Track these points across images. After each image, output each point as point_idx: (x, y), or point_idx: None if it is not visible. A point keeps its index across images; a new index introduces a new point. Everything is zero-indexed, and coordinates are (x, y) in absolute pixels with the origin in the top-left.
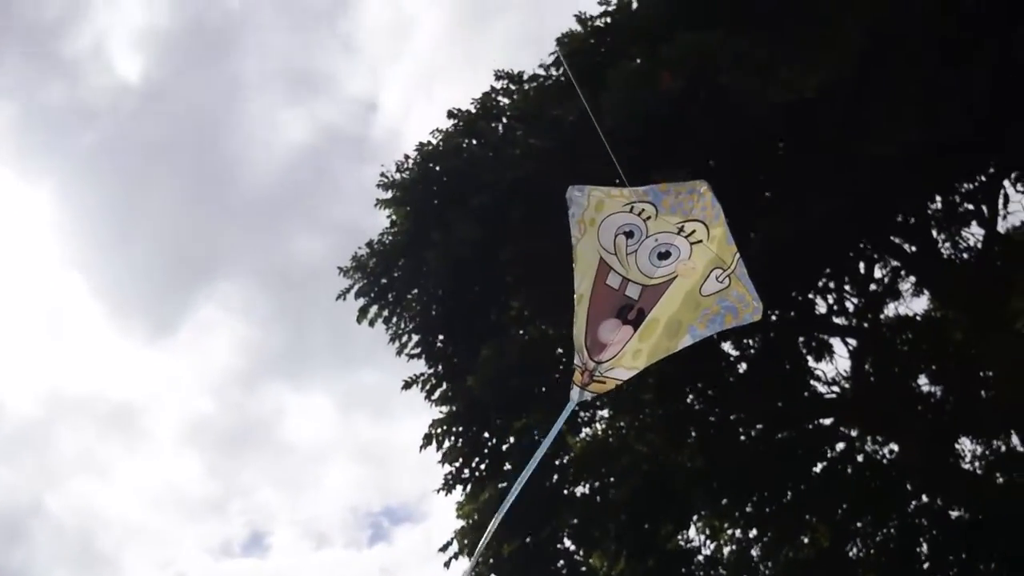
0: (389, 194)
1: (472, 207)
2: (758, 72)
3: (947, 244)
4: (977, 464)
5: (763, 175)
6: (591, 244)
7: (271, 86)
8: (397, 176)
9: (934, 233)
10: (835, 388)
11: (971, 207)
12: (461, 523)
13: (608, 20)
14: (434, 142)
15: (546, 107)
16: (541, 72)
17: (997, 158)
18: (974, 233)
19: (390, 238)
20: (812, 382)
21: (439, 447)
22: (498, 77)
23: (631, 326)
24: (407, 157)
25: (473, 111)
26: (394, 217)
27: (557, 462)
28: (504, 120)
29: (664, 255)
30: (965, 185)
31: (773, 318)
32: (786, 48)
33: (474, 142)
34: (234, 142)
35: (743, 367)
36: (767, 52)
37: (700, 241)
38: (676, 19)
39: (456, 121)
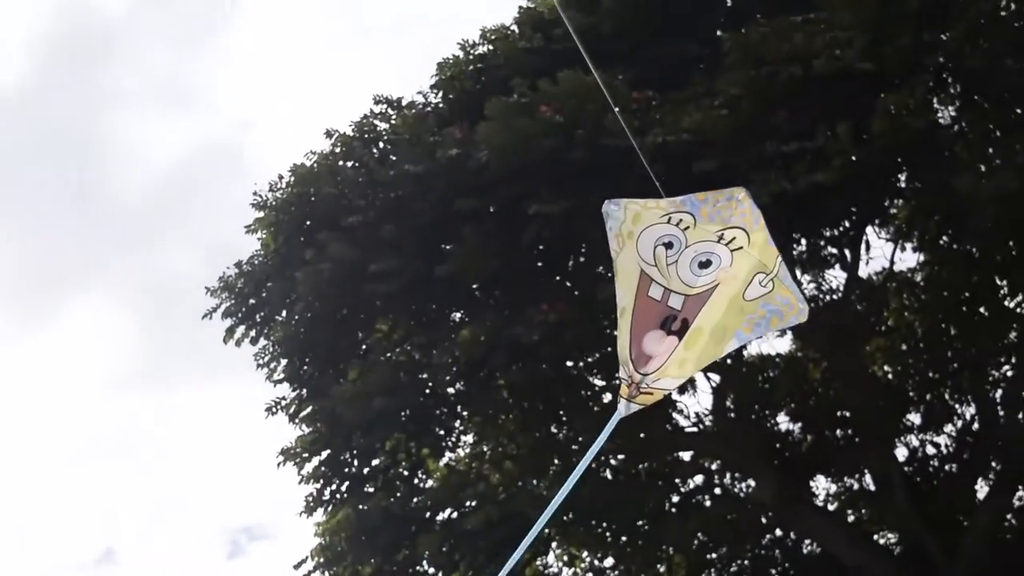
0: (261, 214)
1: (344, 228)
2: (636, 114)
3: (810, 285)
4: (830, 501)
5: None
6: (631, 257)
7: (147, 97)
8: (270, 196)
9: (798, 274)
10: (697, 423)
11: (835, 251)
12: (318, 541)
13: (491, 48)
14: (308, 163)
15: (423, 134)
16: (420, 99)
17: (861, 206)
18: (836, 276)
19: (260, 259)
20: (674, 415)
21: (300, 467)
22: (377, 101)
23: (676, 336)
24: (281, 177)
25: (350, 134)
26: (265, 238)
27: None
28: (380, 144)
29: (705, 264)
30: (830, 230)
31: None
32: (667, 92)
33: (350, 165)
34: (107, 152)
35: (607, 397)
36: (648, 95)
37: (741, 248)
38: (560, 56)
39: (332, 142)
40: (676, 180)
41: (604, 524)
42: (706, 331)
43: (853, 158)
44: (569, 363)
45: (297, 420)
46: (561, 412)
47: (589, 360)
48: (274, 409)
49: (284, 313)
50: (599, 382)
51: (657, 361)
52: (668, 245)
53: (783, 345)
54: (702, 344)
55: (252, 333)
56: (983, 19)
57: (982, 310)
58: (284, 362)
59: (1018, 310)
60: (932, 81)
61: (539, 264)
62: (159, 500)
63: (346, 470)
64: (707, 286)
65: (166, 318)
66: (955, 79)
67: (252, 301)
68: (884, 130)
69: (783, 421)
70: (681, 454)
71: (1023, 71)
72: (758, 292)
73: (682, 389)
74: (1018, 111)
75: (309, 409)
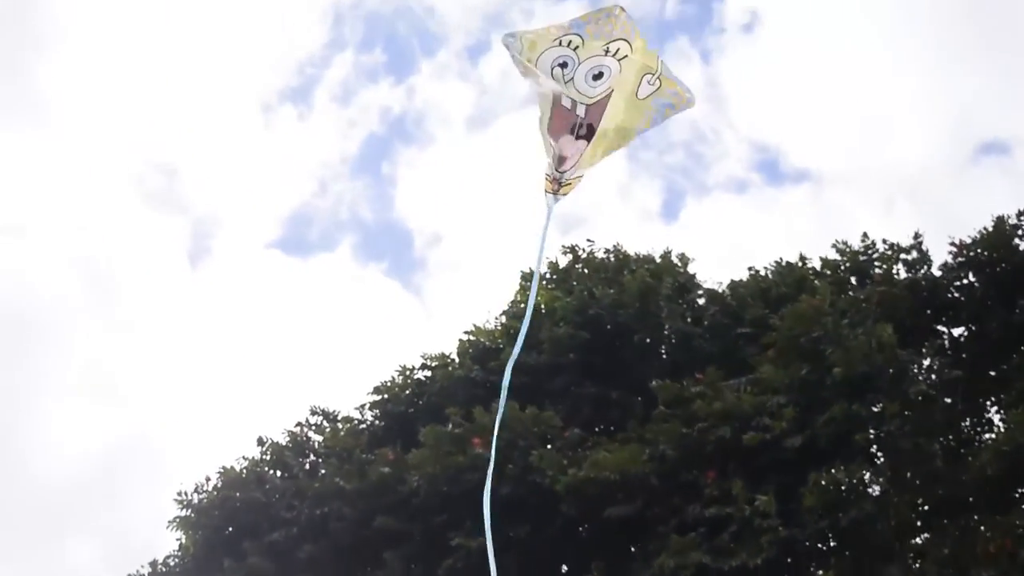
0: (184, 514)
1: (266, 541)
2: (562, 452)
3: None
4: None
5: (558, 551)
6: (539, 76)
7: (68, 384)
8: (194, 498)
9: None
10: None
11: None
12: None
13: (429, 375)
14: (238, 467)
15: (356, 450)
16: (356, 414)
17: None
18: None
19: (177, 560)
20: None
21: None
22: (313, 412)
23: (584, 140)
24: (208, 479)
25: (282, 442)
26: (184, 539)
27: None
28: (312, 456)
29: (598, 76)
30: None
31: None
32: (597, 434)
33: (278, 473)
34: (22, 437)
35: None
36: (578, 433)
37: (626, 56)
38: (495, 387)
39: (263, 449)
40: (591, 525)
41: None
42: (610, 131)
43: (782, 534)
44: None
45: None
46: None
47: None
48: None
49: None
50: None
51: (570, 161)
52: (563, 65)
53: None
54: (608, 141)
55: None
56: (913, 397)
57: None
58: None
59: None
60: (862, 457)
61: None
62: None
63: None
64: (603, 94)
65: None
66: (884, 454)
67: None
68: (814, 506)
69: None
70: None
71: (947, 454)
72: (648, 90)
73: None
74: (940, 492)
75: None
